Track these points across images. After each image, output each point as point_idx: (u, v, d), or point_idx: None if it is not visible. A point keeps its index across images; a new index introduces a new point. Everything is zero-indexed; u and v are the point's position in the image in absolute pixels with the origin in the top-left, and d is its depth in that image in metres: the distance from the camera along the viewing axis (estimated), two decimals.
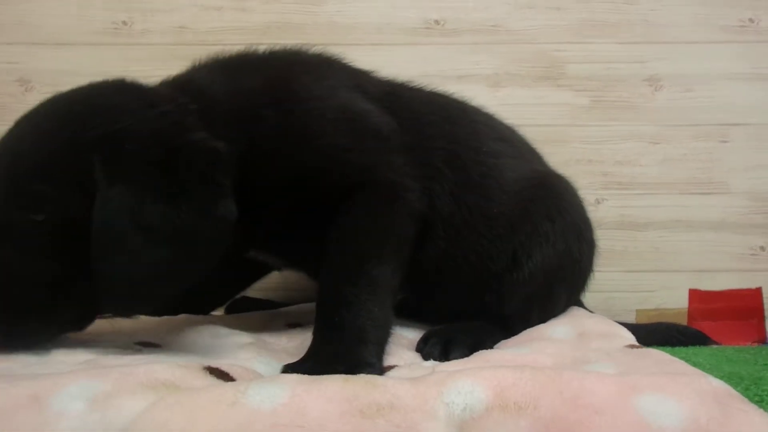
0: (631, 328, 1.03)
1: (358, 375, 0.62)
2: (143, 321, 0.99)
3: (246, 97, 0.90)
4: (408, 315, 1.02)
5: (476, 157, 1.01)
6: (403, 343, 0.93)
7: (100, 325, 0.96)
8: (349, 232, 0.86)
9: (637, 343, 0.89)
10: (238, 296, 1.23)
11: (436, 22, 1.48)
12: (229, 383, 0.61)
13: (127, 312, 0.80)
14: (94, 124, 0.76)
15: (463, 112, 1.09)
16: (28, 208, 0.72)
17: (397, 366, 0.80)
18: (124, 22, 1.47)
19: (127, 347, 0.81)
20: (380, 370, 0.76)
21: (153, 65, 1.45)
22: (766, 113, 1.46)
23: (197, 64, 0.96)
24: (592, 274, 1.12)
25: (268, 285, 1.32)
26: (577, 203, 1.08)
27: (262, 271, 1.17)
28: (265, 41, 1.43)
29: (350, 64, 1.05)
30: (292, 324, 1.05)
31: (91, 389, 0.55)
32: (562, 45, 1.47)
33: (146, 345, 0.84)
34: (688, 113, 1.46)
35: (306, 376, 0.60)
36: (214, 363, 0.67)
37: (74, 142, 0.75)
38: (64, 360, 0.71)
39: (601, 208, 1.44)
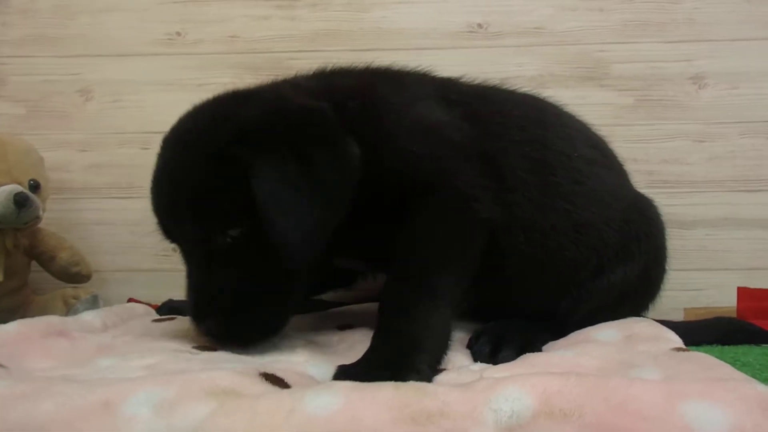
0: (686, 324, 1.02)
1: (407, 382, 0.63)
2: None
3: (336, 90, 0.94)
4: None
5: (568, 163, 0.99)
6: (452, 342, 0.90)
7: (158, 329, 1.00)
8: (415, 238, 0.86)
9: (683, 346, 0.88)
10: None
11: (480, 25, 1.49)
12: (286, 390, 0.63)
13: (295, 263, 0.84)
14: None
15: (557, 117, 1.08)
16: None
17: (445, 370, 0.80)
18: (178, 33, 1.52)
19: (184, 351, 0.84)
20: (429, 377, 0.74)
21: (205, 73, 1.50)
22: None
23: (297, 74, 1.04)
24: (658, 298, 1.12)
25: None
26: (662, 229, 1.08)
27: (344, 279, 1.18)
28: (314, 48, 1.49)
29: (435, 74, 1.07)
30: (343, 326, 1.05)
31: (156, 396, 0.57)
32: (606, 45, 1.46)
33: (203, 348, 0.86)
34: (735, 111, 1.45)
35: (359, 383, 0.61)
36: (270, 369, 0.69)
37: None
38: (129, 365, 0.75)
39: None
